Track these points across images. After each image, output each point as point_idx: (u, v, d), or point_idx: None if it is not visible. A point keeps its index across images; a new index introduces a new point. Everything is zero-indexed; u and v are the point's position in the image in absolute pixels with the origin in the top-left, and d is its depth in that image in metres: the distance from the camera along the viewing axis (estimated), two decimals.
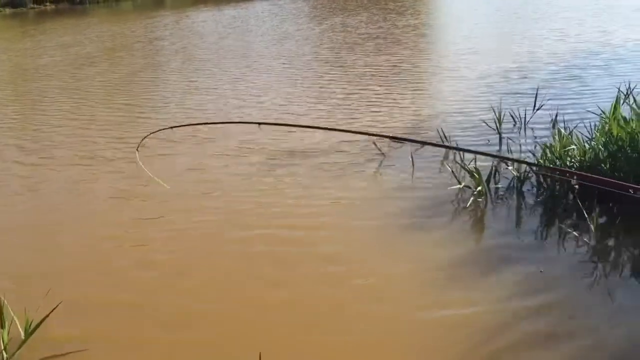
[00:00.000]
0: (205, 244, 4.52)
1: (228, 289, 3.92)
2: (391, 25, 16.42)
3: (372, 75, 10.31)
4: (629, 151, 4.68)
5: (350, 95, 8.85)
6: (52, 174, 6.12)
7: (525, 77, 9.28)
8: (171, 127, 6.76)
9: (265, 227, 4.72)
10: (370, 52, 12.58)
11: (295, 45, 14.44)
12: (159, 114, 8.48)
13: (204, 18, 22.59)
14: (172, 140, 6.79)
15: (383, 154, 6.10)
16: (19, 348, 3.28)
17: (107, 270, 4.19)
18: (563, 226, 4.49)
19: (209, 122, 7.14)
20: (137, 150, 6.09)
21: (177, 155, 6.41)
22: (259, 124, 6.48)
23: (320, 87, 9.61)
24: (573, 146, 5.02)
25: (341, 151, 6.30)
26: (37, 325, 3.32)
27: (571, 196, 4.80)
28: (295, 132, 7.02)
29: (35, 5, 32.86)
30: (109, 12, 29.51)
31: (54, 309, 3.40)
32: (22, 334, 3.33)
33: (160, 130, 6.69)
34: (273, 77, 10.67)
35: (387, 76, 10.17)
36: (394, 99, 8.49)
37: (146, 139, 6.46)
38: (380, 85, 9.43)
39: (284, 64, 12.03)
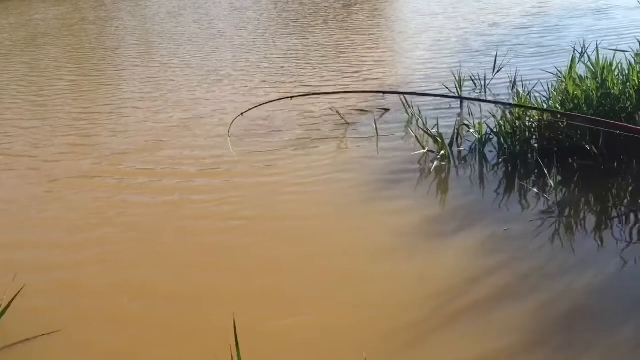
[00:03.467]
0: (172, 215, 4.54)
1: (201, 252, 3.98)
2: None
3: (336, 44, 10.28)
4: (585, 109, 4.81)
5: (311, 68, 8.82)
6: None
7: (484, 41, 9.37)
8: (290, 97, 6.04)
9: (234, 196, 4.80)
10: (328, 22, 12.51)
11: (257, 17, 14.27)
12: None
13: None
14: None
15: (347, 122, 6.15)
16: None
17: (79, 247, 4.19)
18: (524, 184, 4.62)
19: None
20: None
21: None
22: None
23: (279, 58, 9.56)
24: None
25: (306, 121, 6.34)
26: (4, 310, 3.30)
27: (531, 155, 4.93)
28: (262, 98, 7.07)
29: None
30: None
31: (19, 292, 3.38)
32: None
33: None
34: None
35: (346, 45, 10.15)
36: (354, 69, 8.49)
37: None
38: (339, 56, 9.41)
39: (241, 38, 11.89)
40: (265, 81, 8.12)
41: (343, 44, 10.30)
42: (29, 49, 12.47)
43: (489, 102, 6.08)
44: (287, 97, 5.88)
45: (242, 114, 5.85)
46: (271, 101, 6.35)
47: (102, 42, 12.72)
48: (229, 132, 5.61)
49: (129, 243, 4.23)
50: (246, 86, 7.95)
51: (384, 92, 5.82)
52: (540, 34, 9.57)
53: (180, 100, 7.56)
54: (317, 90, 7.46)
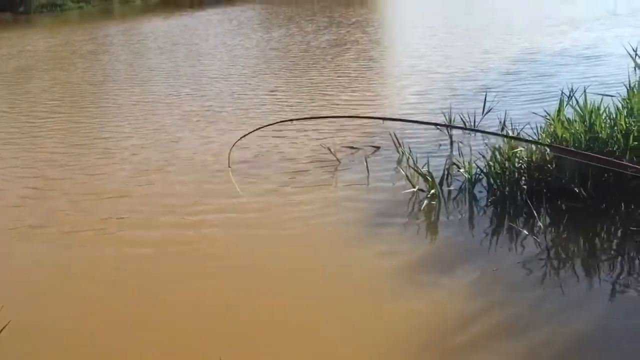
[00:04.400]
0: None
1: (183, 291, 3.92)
2: (339, 36, 16.49)
3: (322, 84, 10.36)
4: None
5: (296, 109, 8.84)
6: None
7: (474, 82, 9.45)
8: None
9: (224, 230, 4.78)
10: (319, 62, 12.63)
11: (247, 56, 14.41)
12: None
13: (151, 29, 22.27)
14: None
15: (338, 159, 6.17)
16: None
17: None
18: (514, 225, 4.63)
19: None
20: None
21: None
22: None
23: (270, 97, 9.62)
24: (521, 148, 5.18)
25: (297, 158, 6.36)
26: None
27: (520, 196, 4.95)
28: (251, 138, 7.04)
29: None
30: (51, 23, 28.78)
31: (4, 327, 3.33)
32: None
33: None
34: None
35: (338, 82, 10.24)
36: (345, 107, 8.55)
37: None
38: (330, 94, 9.48)
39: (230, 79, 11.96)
40: (250, 121, 7.91)
41: (331, 84, 10.34)
42: (16, 81, 12.46)
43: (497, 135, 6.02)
44: (289, 120, 5.85)
45: (241, 137, 5.71)
46: (272, 124, 6.18)
47: (89, 76, 12.75)
48: (229, 164, 5.45)
49: (105, 292, 4.10)
50: (231, 127, 7.82)
51: (383, 119, 5.67)
52: (530, 80, 9.57)
53: (162, 140, 7.41)
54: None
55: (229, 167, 5.32)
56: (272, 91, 10.03)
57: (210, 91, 10.29)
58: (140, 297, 4.04)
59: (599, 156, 4.32)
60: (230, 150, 5.59)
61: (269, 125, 6.06)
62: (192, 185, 5.87)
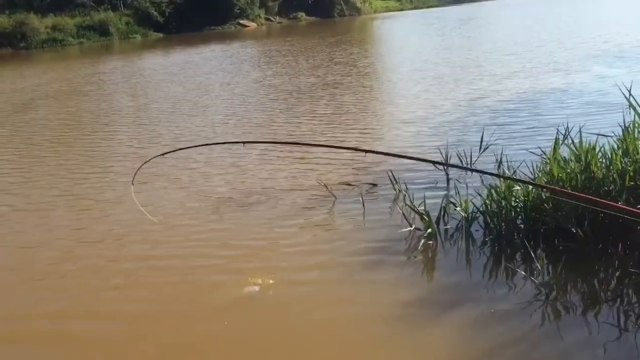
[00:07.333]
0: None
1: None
2: (334, 71, 16.68)
3: (319, 120, 10.41)
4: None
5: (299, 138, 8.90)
6: None
7: (471, 119, 9.49)
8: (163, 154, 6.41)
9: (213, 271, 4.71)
10: (316, 97, 12.73)
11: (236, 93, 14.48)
12: None
13: (147, 65, 22.45)
14: None
15: (334, 196, 6.16)
16: None
17: None
18: (511, 265, 4.60)
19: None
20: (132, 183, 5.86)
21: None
22: (244, 142, 6.69)
23: (272, 133, 9.67)
24: (517, 186, 5.17)
25: (293, 194, 6.35)
26: None
27: (517, 235, 4.93)
28: (252, 172, 7.12)
29: None
30: (50, 58, 29.06)
31: None
32: None
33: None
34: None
35: (333, 119, 10.30)
36: (340, 143, 8.56)
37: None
38: (325, 129, 9.52)
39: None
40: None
41: (324, 120, 10.42)
42: None
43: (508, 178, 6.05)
44: (240, 142, 6.75)
45: (163, 154, 6.32)
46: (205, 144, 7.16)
47: (70, 117, 12.73)
48: (132, 181, 5.78)
49: None
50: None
51: (366, 151, 5.44)
52: (530, 110, 9.51)
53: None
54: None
55: (132, 184, 5.76)
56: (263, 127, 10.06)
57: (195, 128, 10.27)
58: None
59: (596, 199, 4.29)
60: (136, 173, 5.93)
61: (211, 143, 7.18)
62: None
